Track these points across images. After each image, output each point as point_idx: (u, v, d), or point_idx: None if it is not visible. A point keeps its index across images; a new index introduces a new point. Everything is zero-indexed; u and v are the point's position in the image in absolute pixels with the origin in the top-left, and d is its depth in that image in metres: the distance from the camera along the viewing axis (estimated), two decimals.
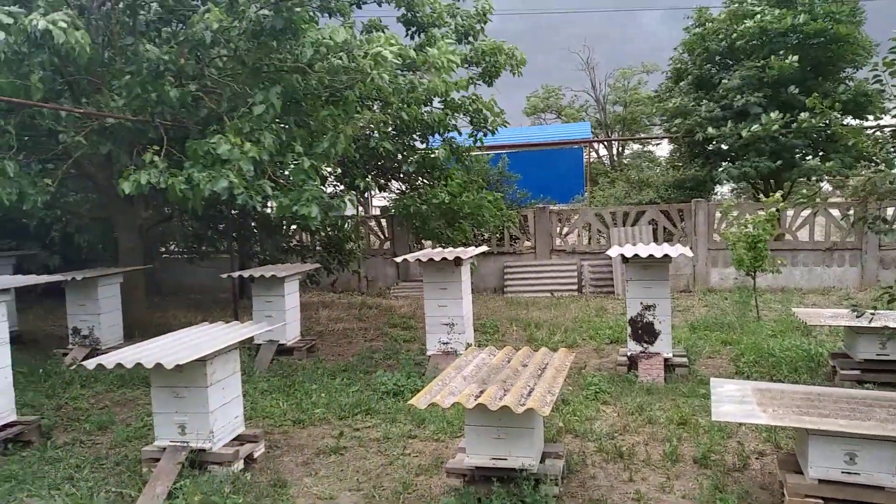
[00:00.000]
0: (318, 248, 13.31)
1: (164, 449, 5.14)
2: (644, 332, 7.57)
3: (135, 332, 9.45)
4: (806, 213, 13.24)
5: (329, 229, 12.20)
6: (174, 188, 6.89)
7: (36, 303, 12.34)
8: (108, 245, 12.36)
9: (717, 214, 13.55)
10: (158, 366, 4.81)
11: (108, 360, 4.93)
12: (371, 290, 14.73)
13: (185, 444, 5.13)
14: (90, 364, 4.88)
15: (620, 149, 28.45)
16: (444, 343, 8.09)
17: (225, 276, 9.19)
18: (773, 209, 10.10)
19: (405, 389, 7.08)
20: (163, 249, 15.53)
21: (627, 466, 5.14)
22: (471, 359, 5.44)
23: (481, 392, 4.57)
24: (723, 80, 14.99)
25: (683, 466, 5.15)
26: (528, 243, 14.76)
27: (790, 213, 13.34)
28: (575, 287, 13.56)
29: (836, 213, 13.41)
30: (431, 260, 7.98)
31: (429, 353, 8.17)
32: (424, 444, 5.76)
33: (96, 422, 6.49)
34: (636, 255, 7.44)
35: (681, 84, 16.64)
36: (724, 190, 22.45)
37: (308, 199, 7.54)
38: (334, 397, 6.98)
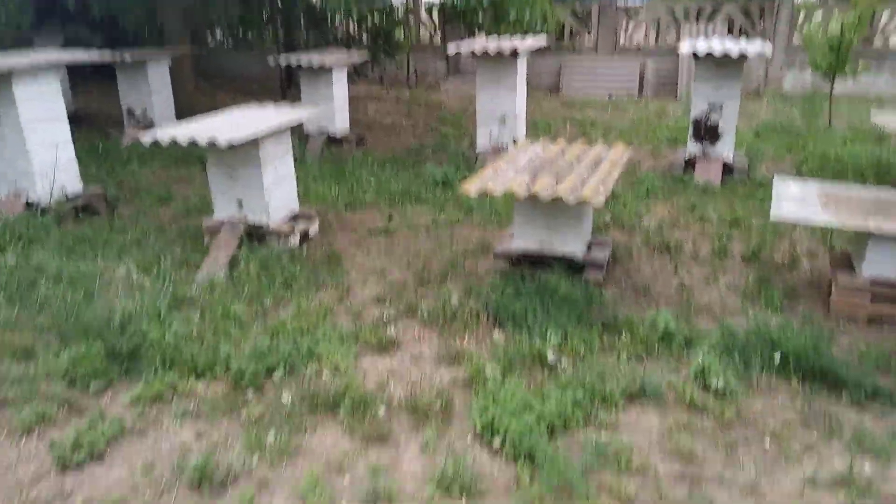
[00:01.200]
0: (364, 39, 12.73)
1: (224, 222, 5.35)
2: (707, 132, 7.22)
3: (185, 115, 9.49)
4: None
5: (376, 17, 11.57)
6: None
7: (87, 83, 12.38)
8: (153, 29, 12.06)
9: (802, 15, 12.26)
10: (212, 144, 4.82)
11: (163, 135, 4.95)
12: (420, 84, 14.28)
13: (244, 218, 5.32)
14: (145, 138, 4.93)
15: None
16: (494, 138, 7.91)
17: (271, 60, 8.93)
18: (867, 6, 8.99)
19: (454, 181, 7.07)
20: (210, 38, 15.14)
21: (673, 259, 5.17)
22: (524, 151, 5.31)
23: (534, 181, 4.50)
24: None
25: (731, 262, 5.15)
26: (589, 44, 13.76)
27: (885, 14, 11.97)
28: (635, 88, 12.87)
29: None
30: (486, 52, 7.54)
31: (478, 148, 8.04)
32: (472, 230, 5.86)
33: (156, 195, 6.76)
34: (709, 53, 6.85)
35: None
36: None
37: None
38: (384, 185, 7.05)
